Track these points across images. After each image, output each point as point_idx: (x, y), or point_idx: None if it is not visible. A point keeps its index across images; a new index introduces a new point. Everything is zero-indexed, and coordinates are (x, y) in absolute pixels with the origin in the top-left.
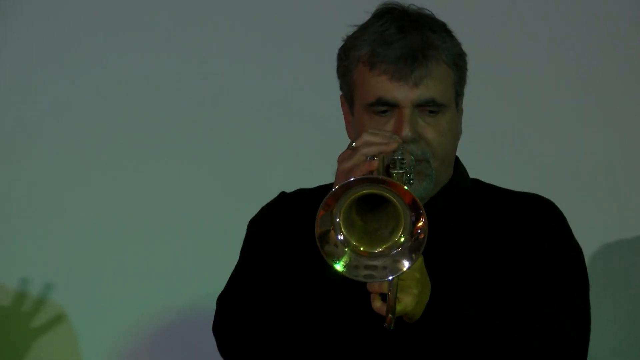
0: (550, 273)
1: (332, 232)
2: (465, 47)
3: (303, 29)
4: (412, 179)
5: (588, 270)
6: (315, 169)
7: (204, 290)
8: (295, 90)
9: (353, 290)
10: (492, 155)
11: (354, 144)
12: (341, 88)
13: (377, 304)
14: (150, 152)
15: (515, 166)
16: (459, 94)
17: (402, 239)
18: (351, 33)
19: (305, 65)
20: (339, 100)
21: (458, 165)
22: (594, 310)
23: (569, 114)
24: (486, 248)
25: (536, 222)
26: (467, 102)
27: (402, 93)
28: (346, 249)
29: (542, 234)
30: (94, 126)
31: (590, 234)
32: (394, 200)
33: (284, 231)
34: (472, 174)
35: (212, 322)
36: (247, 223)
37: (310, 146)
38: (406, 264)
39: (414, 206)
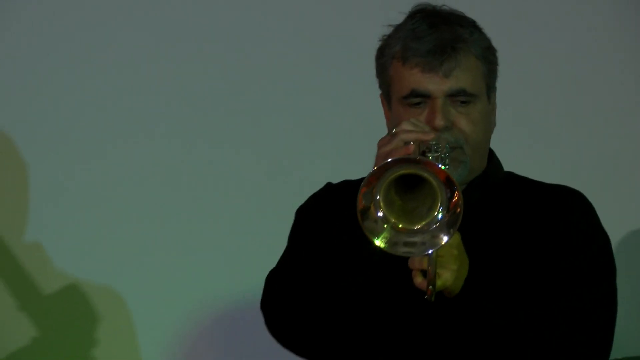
0: (578, 261)
1: (372, 208)
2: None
3: (347, 27)
4: (447, 165)
5: (615, 257)
6: (360, 162)
7: (254, 275)
8: (344, 88)
9: (394, 268)
10: (526, 150)
11: (395, 130)
12: (380, 86)
13: (418, 280)
14: (204, 146)
15: (547, 160)
16: (489, 87)
17: (440, 215)
18: (387, 34)
19: (351, 63)
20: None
21: (492, 157)
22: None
23: (596, 110)
24: (518, 236)
25: (566, 212)
26: (503, 100)
27: (434, 84)
28: (385, 225)
29: (572, 224)
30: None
31: (616, 223)
32: (430, 178)
33: (328, 217)
34: (507, 167)
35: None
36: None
37: (356, 141)
38: (445, 239)
39: (448, 183)
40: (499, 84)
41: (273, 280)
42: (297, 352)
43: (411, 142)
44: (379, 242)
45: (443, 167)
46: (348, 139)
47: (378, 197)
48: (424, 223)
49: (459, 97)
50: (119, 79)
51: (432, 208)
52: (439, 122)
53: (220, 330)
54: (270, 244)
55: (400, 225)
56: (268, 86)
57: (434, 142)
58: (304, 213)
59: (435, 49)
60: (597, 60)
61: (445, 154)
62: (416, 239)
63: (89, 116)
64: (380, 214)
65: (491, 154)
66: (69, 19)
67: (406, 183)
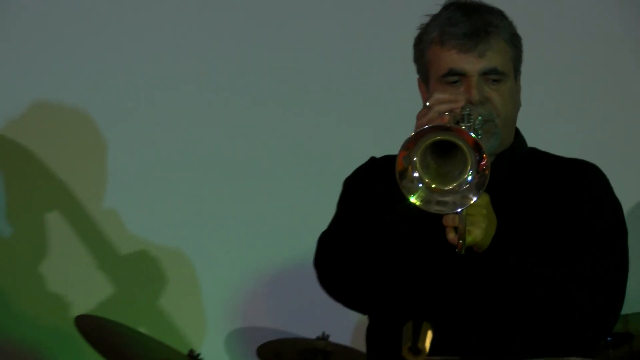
0: (594, 225)
1: (409, 170)
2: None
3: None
4: (479, 135)
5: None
6: (400, 139)
7: (307, 237)
8: (389, 78)
9: (430, 225)
10: (547, 128)
11: (428, 102)
12: (418, 71)
13: (451, 235)
14: (265, 124)
15: (566, 137)
16: (516, 69)
17: (469, 177)
18: (425, 23)
19: (394, 52)
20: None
21: (518, 134)
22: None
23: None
24: (541, 203)
25: (583, 183)
26: (529, 84)
27: (469, 64)
28: (420, 185)
29: (588, 193)
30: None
31: (627, 192)
32: (461, 144)
33: (371, 185)
34: (530, 143)
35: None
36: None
37: (397, 120)
38: (474, 198)
39: (477, 148)
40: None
41: (324, 241)
42: (345, 303)
43: (446, 114)
44: (414, 200)
45: (472, 134)
46: (388, 118)
47: (415, 159)
48: (455, 184)
49: (491, 75)
50: (191, 62)
51: (462, 171)
52: (475, 96)
53: (277, 287)
54: (321, 210)
55: (433, 186)
56: (318, 72)
57: (466, 113)
58: (350, 183)
59: (470, 32)
60: (604, 48)
61: (477, 125)
62: (448, 198)
63: (159, 96)
64: (416, 174)
65: (517, 132)
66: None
67: (440, 148)
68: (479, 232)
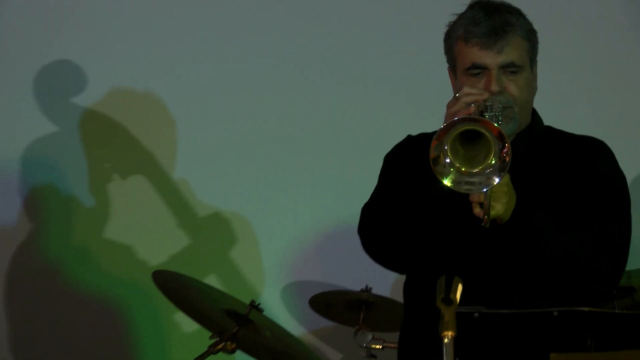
0: (602, 194)
1: (441, 156)
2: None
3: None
4: (500, 121)
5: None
6: (433, 120)
7: (352, 205)
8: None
9: (459, 202)
10: (561, 108)
11: (457, 94)
12: (447, 62)
13: (477, 210)
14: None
15: (578, 116)
16: (532, 60)
17: (493, 161)
18: (452, 20)
19: (427, 44)
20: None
21: (535, 114)
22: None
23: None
24: (556, 176)
25: (593, 157)
26: (545, 70)
27: (490, 58)
28: (451, 169)
29: (597, 166)
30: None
31: (629, 164)
32: (486, 133)
33: (408, 161)
34: (546, 122)
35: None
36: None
37: (430, 103)
38: (496, 180)
39: (500, 137)
40: (539, 58)
41: (367, 211)
42: (385, 264)
43: (472, 105)
44: (446, 182)
45: (496, 125)
46: (423, 101)
47: (446, 148)
48: (480, 167)
49: (509, 68)
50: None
51: (487, 156)
52: (494, 87)
53: (327, 246)
54: (365, 180)
55: (462, 169)
56: (374, 59)
57: (489, 104)
58: (389, 158)
59: (490, 31)
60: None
61: (498, 113)
62: (475, 179)
63: (221, 78)
64: (447, 160)
65: (534, 112)
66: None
67: (468, 136)
68: (500, 207)
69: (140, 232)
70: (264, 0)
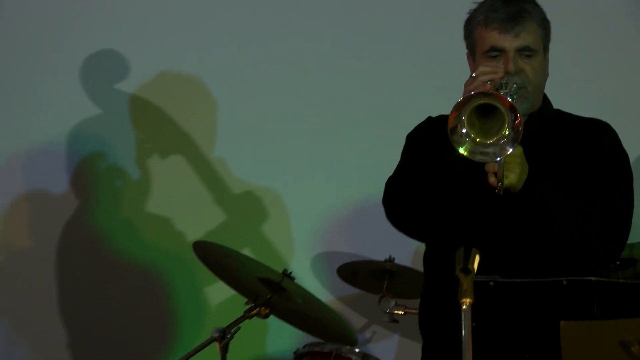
0: (607, 170)
1: (459, 127)
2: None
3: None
4: (514, 99)
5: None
6: (451, 104)
7: (377, 180)
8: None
9: (475, 172)
10: (569, 93)
11: (474, 73)
12: (467, 47)
13: (492, 179)
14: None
15: (584, 99)
16: (545, 47)
17: (507, 132)
18: (473, 8)
19: (449, 32)
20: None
21: (545, 98)
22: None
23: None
24: (564, 153)
25: (599, 137)
26: (554, 57)
27: (507, 42)
28: (467, 139)
29: (603, 145)
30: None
31: (632, 144)
32: (500, 106)
33: (428, 139)
34: (555, 105)
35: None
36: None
37: (448, 87)
38: (510, 150)
39: (512, 109)
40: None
41: (390, 184)
42: (407, 232)
43: (487, 82)
44: (462, 151)
45: (509, 99)
46: (442, 85)
47: (463, 119)
48: (495, 139)
49: (524, 51)
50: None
51: (501, 128)
52: (511, 68)
53: (353, 219)
54: (388, 160)
55: (477, 140)
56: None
57: (504, 82)
58: (411, 137)
59: (508, 17)
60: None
61: (513, 91)
62: (489, 150)
63: (259, 58)
64: (464, 130)
65: (545, 96)
66: None
67: (483, 110)
68: (514, 176)
69: (181, 206)
70: None
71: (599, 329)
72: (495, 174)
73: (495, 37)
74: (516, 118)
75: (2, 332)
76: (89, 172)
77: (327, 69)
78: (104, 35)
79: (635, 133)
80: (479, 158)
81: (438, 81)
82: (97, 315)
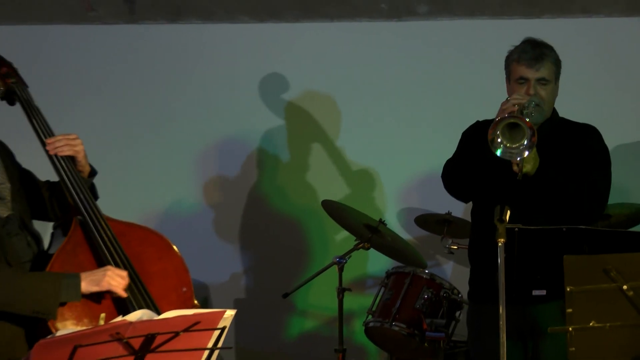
0: (594, 160)
1: (495, 138)
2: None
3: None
4: (533, 114)
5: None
6: (493, 111)
7: (440, 160)
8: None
9: (505, 164)
10: (569, 106)
11: (508, 98)
12: (506, 74)
13: (515, 168)
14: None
15: (580, 110)
16: (557, 78)
17: (526, 141)
18: (511, 49)
19: (493, 67)
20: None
21: (554, 110)
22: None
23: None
24: (564, 149)
25: (588, 137)
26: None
27: (531, 74)
28: (500, 145)
29: (590, 143)
30: None
31: (609, 142)
32: (523, 125)
33: (477, 136)
34: (561, 114)
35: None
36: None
37: (493, 101)
38: (527, 153)
39: (531, 128)
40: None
41: (449, 164)
42: (459, 197)
43: (516, 106)
44: (497, 152)
45: (528, 120)
46: (489, 101)
47: (498, 132)
48: (518, 144)
49: (541, 81)
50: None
51: (522, 138)
52: (532, 91)
53: (424, 185)
54: (448, 148)
55: (507, 145)
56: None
57: (526, 105)
58: (466, 134)
59: (533, 57)
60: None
61: (532, 109)
62: (514, 151)
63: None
64: (498, 140)
65: (554, 109)
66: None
67: (512, 125)
68: (529, 167)
69: (315, 178)
70: None
71: (589, 261)
72: (517, 164)
73: (523, 70)
74: (533, 134)
75: None
76: (260, 157)
77: (420, 61)
78: (275, 63)
79: (612, 133)
80: (507, 156)
81: (486, 98)
82: (263, 250)
